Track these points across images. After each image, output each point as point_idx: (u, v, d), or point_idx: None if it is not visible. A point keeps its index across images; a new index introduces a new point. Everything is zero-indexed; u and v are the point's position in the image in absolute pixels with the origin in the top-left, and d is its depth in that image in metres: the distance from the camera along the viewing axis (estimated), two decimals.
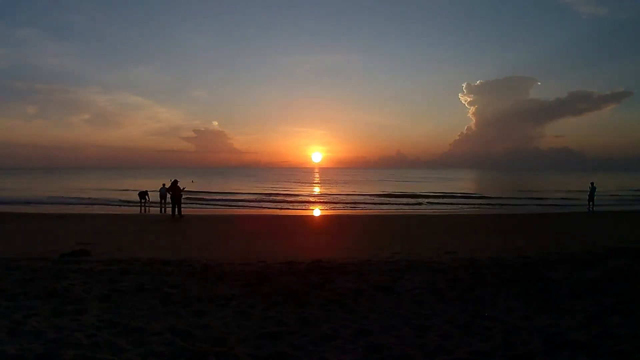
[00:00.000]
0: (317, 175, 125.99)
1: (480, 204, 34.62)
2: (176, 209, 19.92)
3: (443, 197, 39.96)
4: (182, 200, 20.83)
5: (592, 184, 26.72)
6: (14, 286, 5.88)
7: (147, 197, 26.85)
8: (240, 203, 34.11)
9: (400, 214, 26.67)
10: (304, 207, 32.64)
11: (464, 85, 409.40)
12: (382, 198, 39.38)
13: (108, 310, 4.90)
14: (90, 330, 4.16)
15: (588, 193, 26.75)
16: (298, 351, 3.75)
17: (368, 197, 40.23)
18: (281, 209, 30.58)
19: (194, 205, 29.56)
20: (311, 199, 40.68)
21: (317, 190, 57.29)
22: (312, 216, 26.26)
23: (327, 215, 26.75)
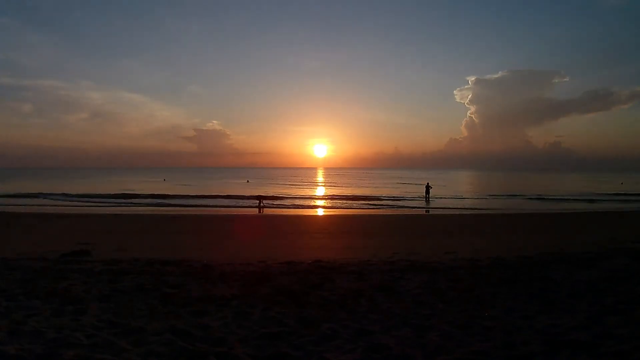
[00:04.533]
0: (321, 175, 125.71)
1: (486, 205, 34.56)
2: None
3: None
4: None
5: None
6: (14, 286, 5.87)
7: (262, 200, 31.49)
8: (240, 203, 34.08)
9: (400, 213, 26.67)
10: (304, 207, 32.63)
11: (473, 79, 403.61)
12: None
13: (108, 310, 4.90)
14: (90, 330, 4.16)
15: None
16: (298, 351, 3.75)
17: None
18: (281, 208, 30.58)
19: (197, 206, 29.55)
20: (315, 199, 40.65)
21: (321, 190, 57.28)
22: (312, 216, 26.25)
23: (327, 215, 26.75)
